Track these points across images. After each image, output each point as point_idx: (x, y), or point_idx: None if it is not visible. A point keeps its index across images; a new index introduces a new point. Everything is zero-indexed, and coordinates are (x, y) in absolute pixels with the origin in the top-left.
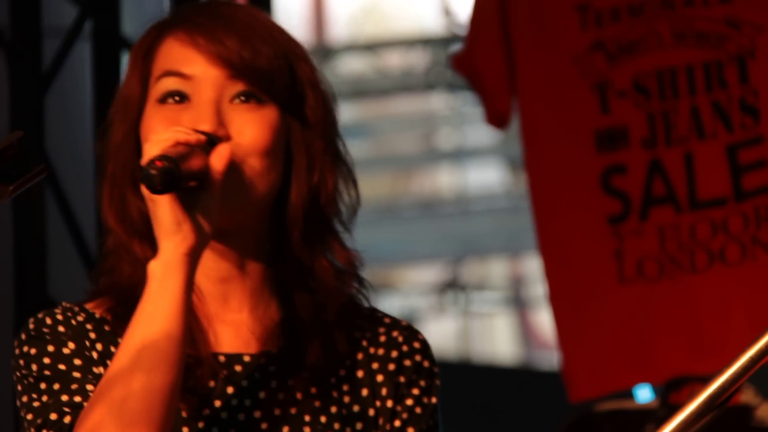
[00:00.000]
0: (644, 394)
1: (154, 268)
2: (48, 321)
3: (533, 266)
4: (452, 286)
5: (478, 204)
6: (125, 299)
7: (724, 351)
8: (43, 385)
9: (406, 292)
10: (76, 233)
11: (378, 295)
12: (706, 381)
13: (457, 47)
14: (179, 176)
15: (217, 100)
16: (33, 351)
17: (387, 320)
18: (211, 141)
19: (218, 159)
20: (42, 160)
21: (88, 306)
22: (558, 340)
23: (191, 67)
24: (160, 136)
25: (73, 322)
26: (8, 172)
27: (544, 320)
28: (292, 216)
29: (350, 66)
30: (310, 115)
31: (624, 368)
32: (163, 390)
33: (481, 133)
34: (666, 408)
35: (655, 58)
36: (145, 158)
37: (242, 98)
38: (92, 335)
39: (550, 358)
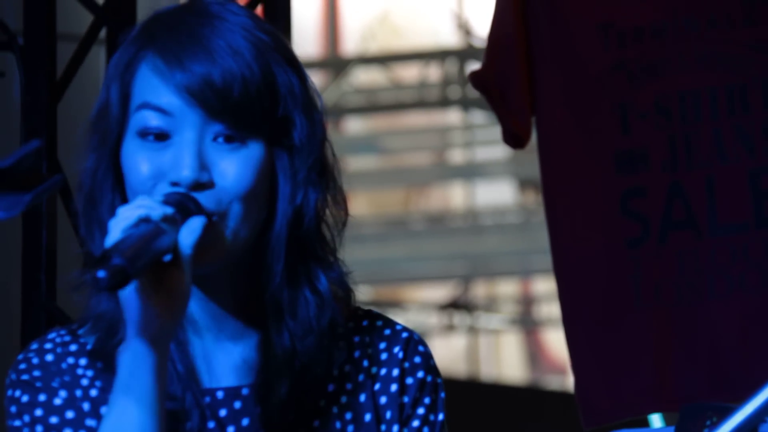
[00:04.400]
0: (656, 422)
1: (122, 358)
2: (37, 362)
3: (542, 286)
4: (460, 305)
5: (488, 221)
6: (108, 335)
7: (742, 380)
8: None
9: (415, 310)
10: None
11: (386, 312)
12: (723, 410)
13: (472, 62)
14: (132, 273)
15: (198, 140)
16: (25, 399)
17: (387, 332)
18: (184, 208)
19: (188, 235)
20: (54, 168)
21: (81, 332)
22: (572, 365)
23: (169, 101)
24: (124, 212)
25: (64, 363)
26: (24, 181)
27: (552, 339)
28: (274, 246)
29: (363, 79)
30: (297, 139)
31: (639, 395)
32: None
33: (492, 150)
34: None
35: (677, 80)
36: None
37: (223, 138)
38: (86, 378)
39: (559, 379)
